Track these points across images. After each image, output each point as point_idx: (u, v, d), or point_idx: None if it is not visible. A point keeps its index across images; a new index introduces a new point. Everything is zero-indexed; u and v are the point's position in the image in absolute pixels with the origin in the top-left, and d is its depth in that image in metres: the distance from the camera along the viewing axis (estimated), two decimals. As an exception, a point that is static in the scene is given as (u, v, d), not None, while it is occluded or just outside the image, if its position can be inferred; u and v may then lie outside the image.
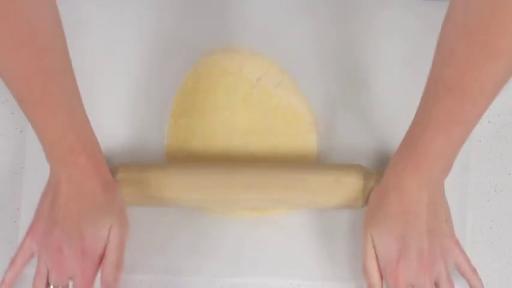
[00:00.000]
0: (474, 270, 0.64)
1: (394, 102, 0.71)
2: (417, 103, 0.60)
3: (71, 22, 0.68)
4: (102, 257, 0.62)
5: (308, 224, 0.70)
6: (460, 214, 0.70)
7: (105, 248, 0.62)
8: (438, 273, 0.62)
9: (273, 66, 0.73)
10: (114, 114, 0.72)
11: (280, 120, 0.72)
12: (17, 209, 0.72)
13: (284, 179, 0.67)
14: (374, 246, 0.63)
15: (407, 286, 0.61)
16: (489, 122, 0.73)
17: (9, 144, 0.73)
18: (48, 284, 0.63)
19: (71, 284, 0.63)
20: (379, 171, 0.67)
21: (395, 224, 0.61)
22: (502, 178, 0.72)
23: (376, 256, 0.63)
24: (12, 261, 0.64)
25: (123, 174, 0.67)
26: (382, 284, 0.64)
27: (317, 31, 0.73)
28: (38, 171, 0.70)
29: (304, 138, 0.71)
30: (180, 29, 0.73)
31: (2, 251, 0.71)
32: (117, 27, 0.73)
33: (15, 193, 0.72)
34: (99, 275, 0.64)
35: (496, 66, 0.52)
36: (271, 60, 0.73)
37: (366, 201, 0.66)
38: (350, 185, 0.66)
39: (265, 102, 0.72)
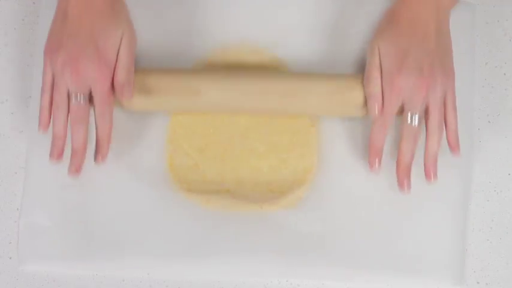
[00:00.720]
0: (454, 109, 0.67)
1: None
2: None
3: None
4: (115, 62, 0.65)
5: (308, 219, 0.70)
6: (460, 214, 0.70)
7: (117, 55, 0.65)
8: (432, 97, 0.65)
9: (274, 60, 0.73)
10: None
11: (281, 118, 0.72)
12: (17, 209, 0.72)
13: (284, 86, 0.68)
14: (380, 57, 0.66)
15: (399, 96, 0.65)
16: (489, 122, 0.73)
17: (9, 144, 0.73)
18: (69, 96, 0.64)
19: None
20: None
21: (404, 38, 0.66)
22: (502, 178, 0.72)
23: (381, 68, 0.66)
24: (42, 88, 0.66)
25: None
26: (381, 94, 0.66)
27: (320, 27, 0.73)
28: (38, 171, 0.70)
29: (304, 137, 0.71)
30: (180, 29, 0.73)
31: (2, 250, 0.71)
32: None
33: (15, 193, 0.72)
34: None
35: None
36: (272, 54, 0.73)
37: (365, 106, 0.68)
38: (351, 91, 0.68)
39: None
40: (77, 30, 0.63)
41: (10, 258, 0.69)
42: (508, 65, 0.74)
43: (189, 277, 0.71)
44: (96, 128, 0.67)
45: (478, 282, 0.70)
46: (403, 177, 0.68)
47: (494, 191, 0.72)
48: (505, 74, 0.74)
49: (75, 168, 0.67)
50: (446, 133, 0.68)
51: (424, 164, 0.68)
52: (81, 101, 0.64)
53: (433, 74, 0.65)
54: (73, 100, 0.64)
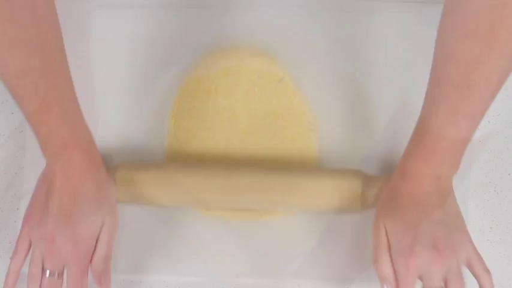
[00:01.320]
0: (488, 272, 0.62)
1: (393, 104, 0.72)
2: (417, 106, 0.62)
3: (72, 23, 0.69)
4: (93, 248, 0.63)
5: (307, 226, 0.71)
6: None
7: (96, 241, 0.63)
8: (449, 267, 0.60)
9: (274, 62, 0.73)
10: (115, 115, 0.72)
11: (280, 120, 0.72)
12: (17, 209, 0.72)
13: (283, 182, 0.67)
14: (387, 236, 0.62)
15: (416, 275, 0.60)
16: (489, 122, 0.73)
17: (9, 144, 0.73)
18: (44, 270, 0.63)
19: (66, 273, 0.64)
20: (377, 176, 0.68)
21: (409, 212, 0.61)
22: (502, 178, 0.72)
23: (389, 246, 0.62)
24: (14, 252, 0.65)
25: (122, 173, 0.67)
26: (393, 275, 0.62)
27: (319, 30, 0.73)
28: (38, 171, 0.70)
29: (304, 138, 0.71)
30: (180, 29, 0.73)
31: (2, 250, 0.71)
32: (117, 29, 0.73)
33: (15, 193, 0.72)
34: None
35: (499, 60, 0.55)
36: (271, 56, 0.72)
37: (364, 205, 0.67)
38: (348, 189, 0.67)
39: (266, 102, 0.72)
40: (57, 210, 0.62)
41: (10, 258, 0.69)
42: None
43: (189, 277, 0.71)
44: None
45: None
46: None
47: (494, 191, 0.72)
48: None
49: None
50: None
51: None
52: (55, 277, 0.63)
53: (448, 244, 0.60)
54: (46, 274, 0.63)
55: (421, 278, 0.61)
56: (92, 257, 0.63)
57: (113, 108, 0.72)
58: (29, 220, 0.64)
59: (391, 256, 0.62)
